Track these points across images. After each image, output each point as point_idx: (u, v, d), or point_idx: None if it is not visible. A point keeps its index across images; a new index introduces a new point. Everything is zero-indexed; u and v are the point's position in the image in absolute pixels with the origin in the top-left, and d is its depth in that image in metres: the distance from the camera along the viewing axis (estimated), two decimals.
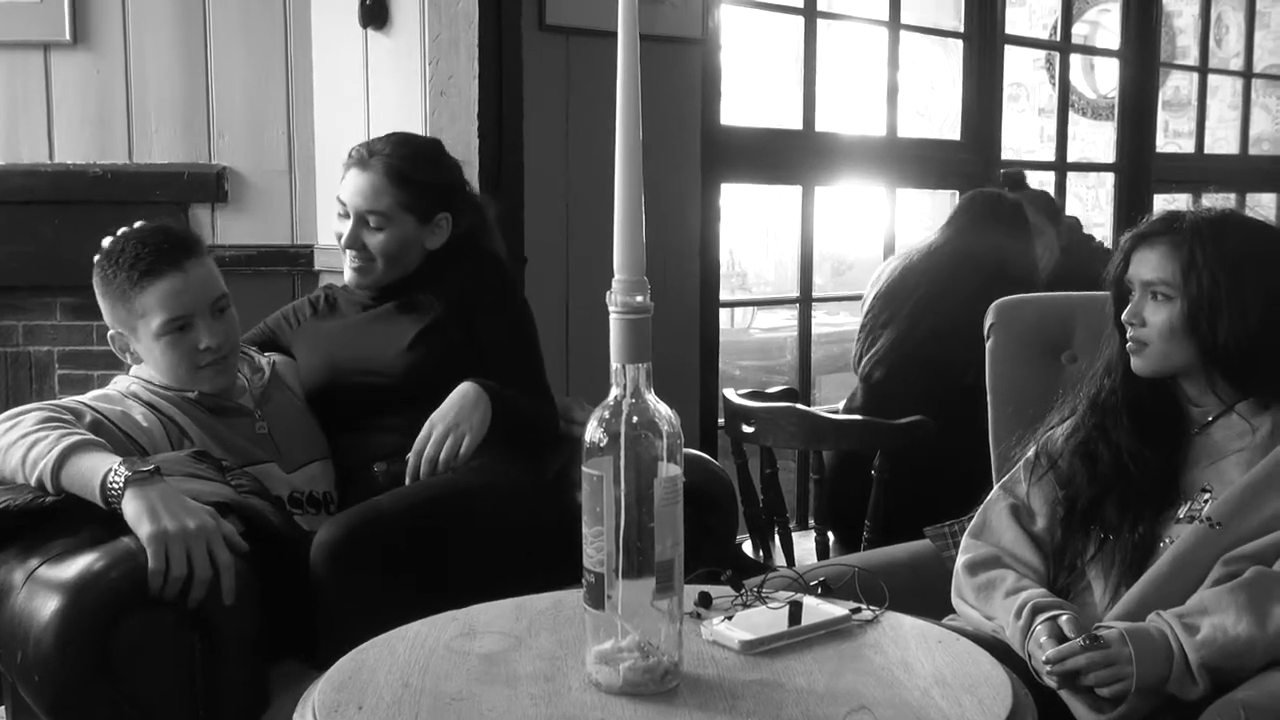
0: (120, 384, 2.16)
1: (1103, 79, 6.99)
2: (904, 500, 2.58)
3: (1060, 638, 1.60)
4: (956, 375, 2.66)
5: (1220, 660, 1.55)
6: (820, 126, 3.94)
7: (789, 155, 3.87)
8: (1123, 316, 1.80)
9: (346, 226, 2.29)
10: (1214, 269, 1.72)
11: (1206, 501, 1.73)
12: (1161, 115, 5.64)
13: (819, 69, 3.91)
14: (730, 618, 1.48)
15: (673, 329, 3.31)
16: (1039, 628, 1.63)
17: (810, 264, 4.04)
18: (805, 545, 2.94)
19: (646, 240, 1.28)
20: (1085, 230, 4.03)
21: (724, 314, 3.90)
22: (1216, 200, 5.55)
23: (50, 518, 1.84)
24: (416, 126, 2.76)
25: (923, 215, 5.02)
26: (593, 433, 1.28)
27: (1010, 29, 4.57)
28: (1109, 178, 5.31)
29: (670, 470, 1.27)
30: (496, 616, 1.52)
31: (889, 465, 2.65)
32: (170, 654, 1.76)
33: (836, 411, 3.09)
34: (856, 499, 2.72)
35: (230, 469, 2.03)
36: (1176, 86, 6.31)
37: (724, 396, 3.03)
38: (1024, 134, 6.99)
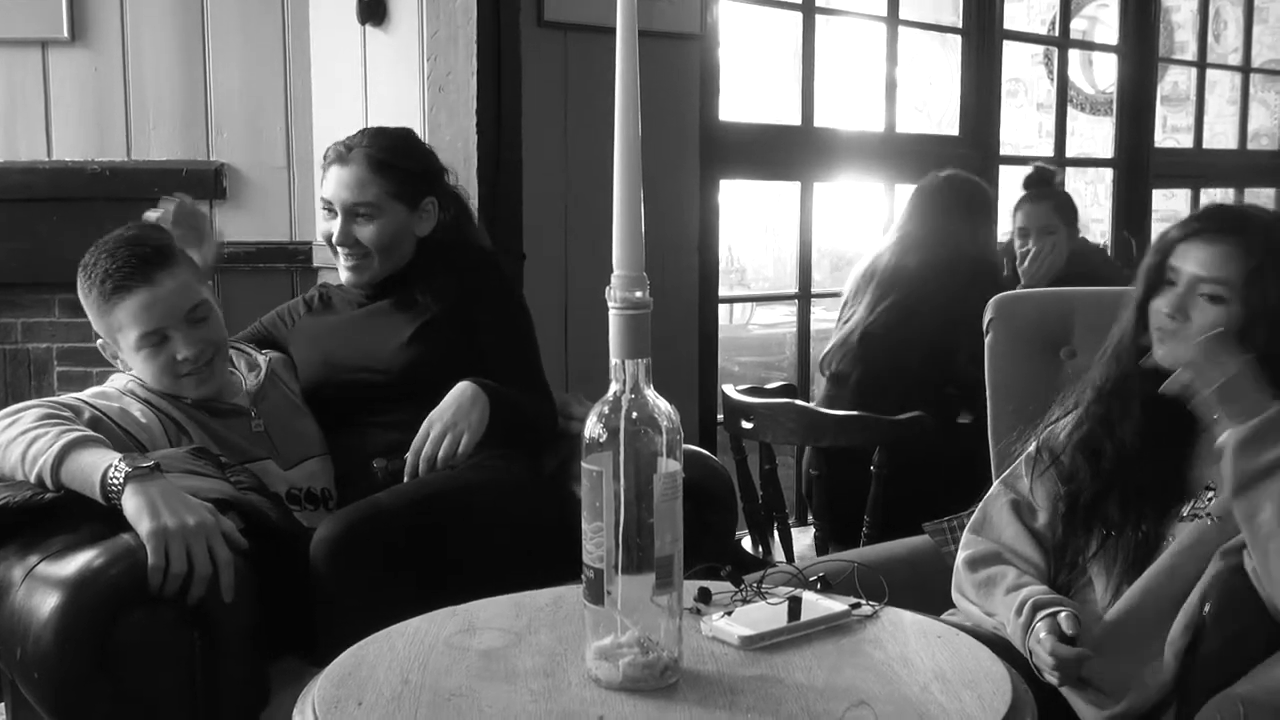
0: (118, 381, 2.16)
1: (1101, 74, 6.97)
2: (902, 494, 2.58)
3: (1060, 634, 1.59)
4: (910, 359, 2.83)
5: None
6: (819, 122, 3.94)
7: (788, 151, 3.88)
8: (1164, 308, 1.70)
9: (336, 225, 2.28)
10: None
11: (1210, 499, 1.70)
12: (1160, 110, 5.64)
13: (817, 64, 3.92)
14: (730, 613, 1.47)
15: (672, 325, 3.31)
16: (1040, 624, 1.62)
17: (809, 260, 4.05)
18: (804, 541, 2.95)
19: (645, 236, 1.28)
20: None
21: (723, 310, 3.90)
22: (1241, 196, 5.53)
23: (50, 514, 1.83)
24: (415, 123, 2.75)
25: None
26: (592, 428, 1.28)
27: (1008, 24, 4.58)
28: (1107, 173, 5.31)
29: (670, 466, 1.27)
30: (496, 613, 1.51)
31: (888, 460, 2.66)
32: (170, 650, 1.75)
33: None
34: (852, 494, 2.72)
35: (229, 465, 2.03)
36: (1175, 81, 6.30)
37: (723, 392, 3.03)
38: (1022, 129, 6.98)
